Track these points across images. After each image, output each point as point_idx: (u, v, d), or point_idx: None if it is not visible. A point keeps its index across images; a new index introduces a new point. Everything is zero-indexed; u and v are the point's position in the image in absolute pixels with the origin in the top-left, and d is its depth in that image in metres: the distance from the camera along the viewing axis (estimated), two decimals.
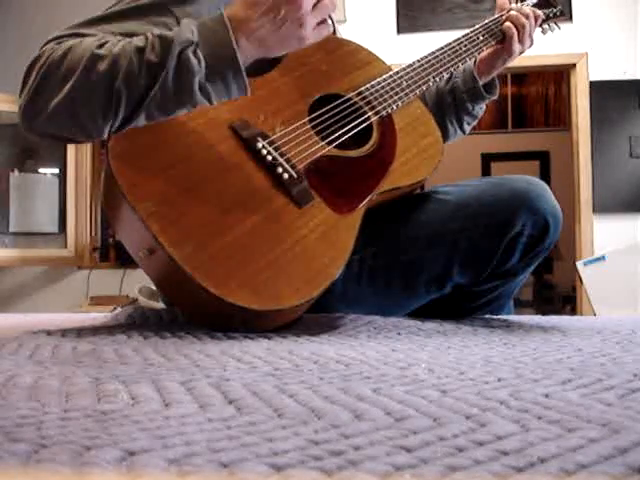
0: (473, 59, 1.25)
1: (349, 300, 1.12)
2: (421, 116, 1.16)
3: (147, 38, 0.86)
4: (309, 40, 0.91)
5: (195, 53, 0.84)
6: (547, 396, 0.47)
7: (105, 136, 0.88)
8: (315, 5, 0.88)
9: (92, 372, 0.58)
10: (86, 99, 0.85)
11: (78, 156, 3.95)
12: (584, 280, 3.29)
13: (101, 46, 0.85)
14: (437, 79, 1.17)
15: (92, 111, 0.85)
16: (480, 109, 1.33)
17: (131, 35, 0.89)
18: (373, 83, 1.10)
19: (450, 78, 1.30)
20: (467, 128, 1.34)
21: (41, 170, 4.04)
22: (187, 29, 0.86)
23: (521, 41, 1.25)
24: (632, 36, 3.57)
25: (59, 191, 3.98)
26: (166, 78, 0.84)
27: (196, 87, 0.85)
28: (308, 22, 0.88)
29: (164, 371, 0.59)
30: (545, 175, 5.86)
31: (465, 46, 1.22)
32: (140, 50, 0.84)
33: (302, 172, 0.98)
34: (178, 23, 0.92)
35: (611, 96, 3.53)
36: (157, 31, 0.87)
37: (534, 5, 1.35)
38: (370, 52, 1.18)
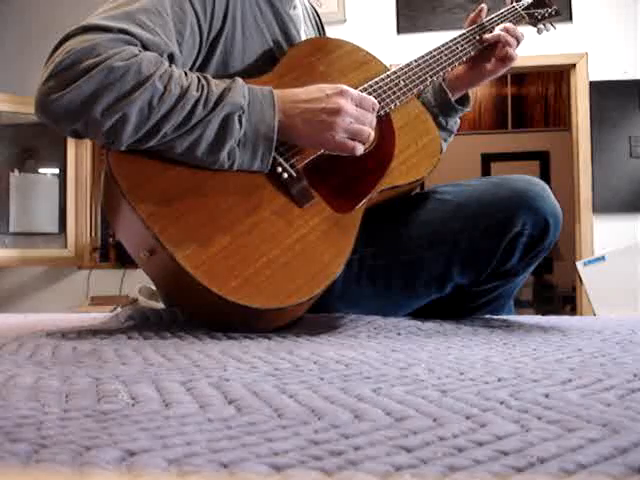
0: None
1: (349, 300, 1.12)
2: (419, 115, 1.16)
3: (203, 88, 0.89)
4: (336, 141, 0.95)
5: (240, 119, 0.89)
6: (547, 396, 0.47)
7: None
8: (353, 126, 0.95)
9: (92, 372, 0.58)
10: (128, 124, 0.85)
11: (78, 156, 3.95)
12: (584, 280, 3.29)
13: (165, 87, 0.86)
14: (435, 78, 1.17)
15: (129, 137, 0.86)
16: (455, 123, 1.29)
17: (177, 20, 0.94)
18: (371, 83, 1.09)
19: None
20: (444, 145, 1.27)
21: (41, 170, 4.04)
22: (240, 92, 0.90)
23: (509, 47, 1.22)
24: (632, 36, 3.57)
25: (59, 191, 3.97)
26: (205, 131, 0.88)
27: (227, 148, 0.90)
28: (341, 127, 0.94)
29: (164, 371, 0.59)
30: (545, 175, 5.86)
31: (462, 45, 1.22)
32: (195, 102, 0.88)
33: (301, 171, 0.98)
34: None
35: (611, 96, 3.53)
36: (214, 85, 0.90)
37: (529, 5, 1.35)
38: (367, 52, 1.17)
